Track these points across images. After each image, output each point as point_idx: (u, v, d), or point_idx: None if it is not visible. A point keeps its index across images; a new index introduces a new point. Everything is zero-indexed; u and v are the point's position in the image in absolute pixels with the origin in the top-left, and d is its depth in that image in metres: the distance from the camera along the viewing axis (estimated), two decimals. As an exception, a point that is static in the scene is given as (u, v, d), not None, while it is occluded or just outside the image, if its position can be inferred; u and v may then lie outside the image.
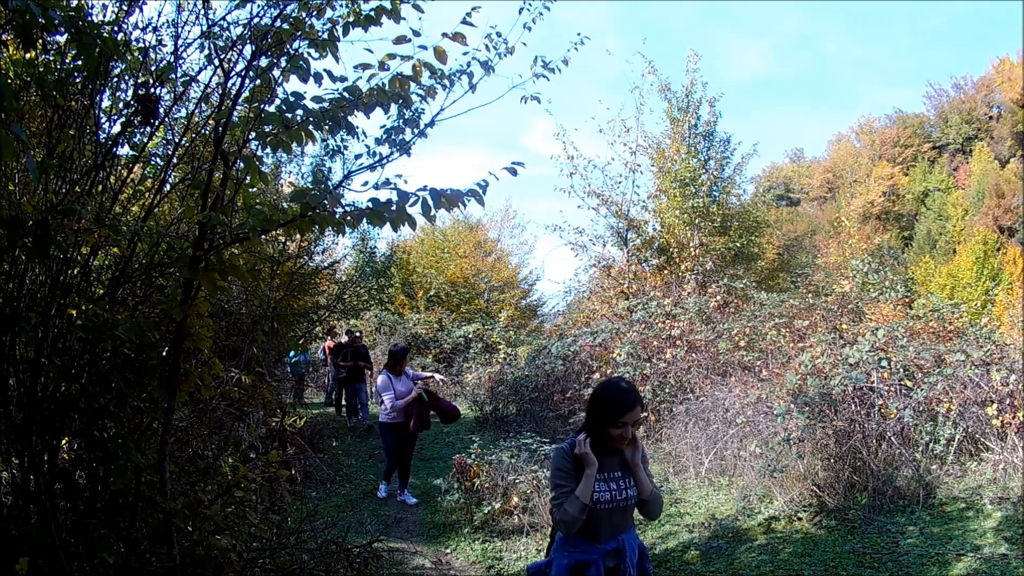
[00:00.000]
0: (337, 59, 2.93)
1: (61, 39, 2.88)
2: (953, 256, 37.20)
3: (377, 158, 3.05)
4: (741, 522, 5.98)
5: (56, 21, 2.41)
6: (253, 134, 2.85)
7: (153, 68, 3.27)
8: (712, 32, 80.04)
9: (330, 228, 2.71)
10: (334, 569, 4.37)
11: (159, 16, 3.35)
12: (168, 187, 3.66)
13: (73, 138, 3.14)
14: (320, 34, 2.89)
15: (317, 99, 2.86)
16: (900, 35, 79.38)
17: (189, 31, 3.30)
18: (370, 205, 2.61)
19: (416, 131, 3.11)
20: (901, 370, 7.23)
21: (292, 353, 14.02)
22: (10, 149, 2.20)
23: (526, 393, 11.31)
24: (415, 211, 2.59)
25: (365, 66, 2.94)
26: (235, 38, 3.07)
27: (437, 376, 9.30)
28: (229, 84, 2.99)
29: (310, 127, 2.82)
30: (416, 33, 2.92)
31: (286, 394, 9.87)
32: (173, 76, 3.26)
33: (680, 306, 10.76)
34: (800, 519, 5.84)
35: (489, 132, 78.71)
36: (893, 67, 79.13)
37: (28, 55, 2.92)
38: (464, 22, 2.98)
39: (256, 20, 2.97)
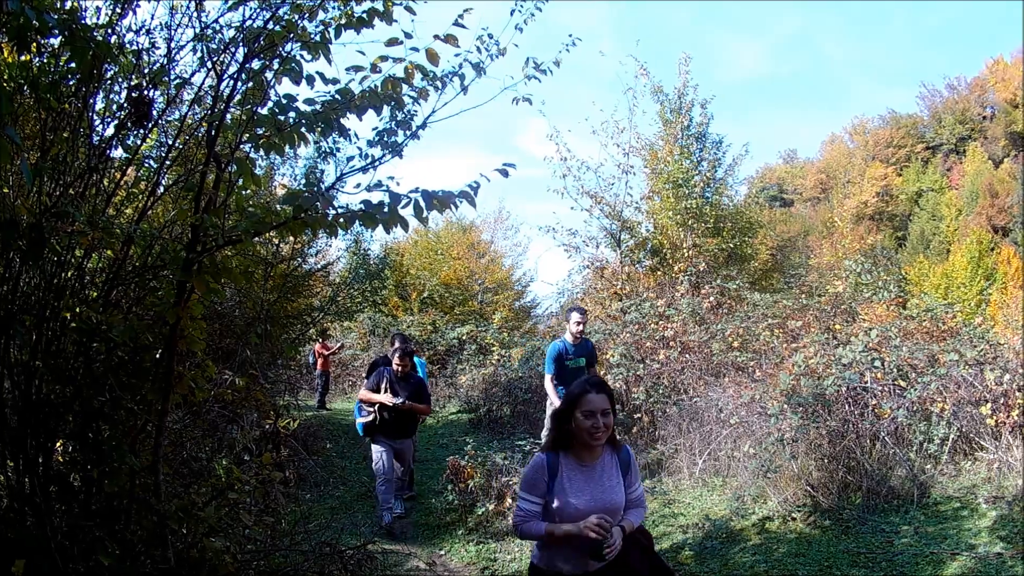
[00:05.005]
0: (329, 61, 2.94)
1: (55, 42, 2.88)
2: (947, 256, 37.40)
3: (369, 160, 3.07)
4: (735, 522, 5.99)
5: (50, 24, 2.43)
6: (246, 136, 2.86)
7: (146, 71, 3.28)
8: (709, 32, 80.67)
9: (323, 230, 2.72)
10: (328, 571, 4.39)
11: (152, 19, 3.36)
12: (161, 189, 3.66)
13: (67, 141, 3.14)
14: (312, 36, 2.90)
15: (309, 101, 2.87)
16: (896, 35, 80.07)
17: (182, 34, 3.32)
18: (362, 207, 2.61)
19: (408, 133, 3.12)
20: (895, 370, 7.24)
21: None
22: (4, 152, 2.21)
23: (520, 394, 11.29)
24: (407, 213, 2.60)
25: (357, 68, 2.95)
26: (228, 41, 3.08)
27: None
28: (222, 86, 3.00)
29: (302, 129, 2.82)
30: (408, 35, 2.93)
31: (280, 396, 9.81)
32: (166, 79, 3.26)
33: (673, 307, 10.76)
34: (794, 519, 5.85)
35: (483, 133, 79.10)
36: (888, 67, 79.86)
37: (22, 58, 2.92)
38: (456, 24, 2.99)
39: (249, 23, 2.98)
